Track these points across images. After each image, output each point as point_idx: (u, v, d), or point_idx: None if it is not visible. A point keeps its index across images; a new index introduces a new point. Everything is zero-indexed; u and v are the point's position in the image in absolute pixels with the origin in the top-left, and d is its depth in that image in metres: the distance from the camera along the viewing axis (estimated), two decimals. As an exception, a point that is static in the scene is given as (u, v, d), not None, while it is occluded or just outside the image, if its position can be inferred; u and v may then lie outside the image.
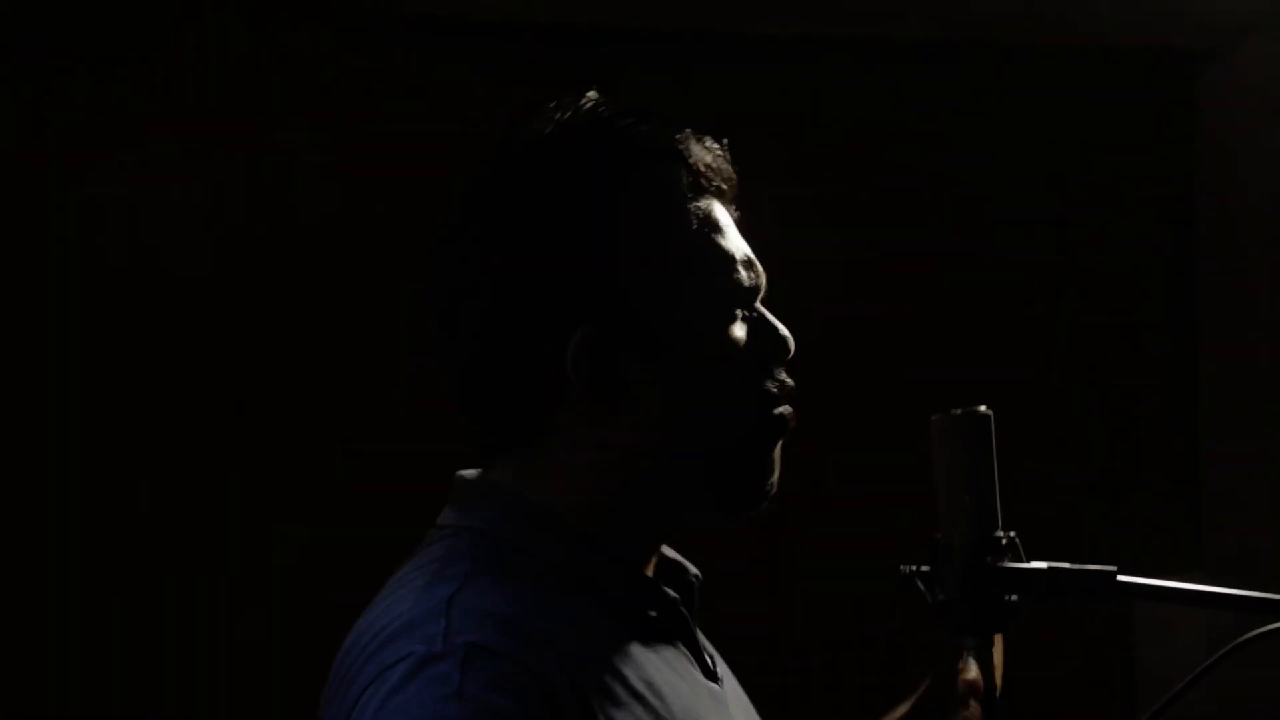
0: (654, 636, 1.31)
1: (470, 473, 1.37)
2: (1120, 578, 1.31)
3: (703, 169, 1.33)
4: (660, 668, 1.28)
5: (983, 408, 1.34)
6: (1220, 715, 3.63)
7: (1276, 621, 1.34)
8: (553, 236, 1.28)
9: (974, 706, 1.43)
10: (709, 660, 1.37)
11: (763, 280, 1.36)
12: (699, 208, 1.32)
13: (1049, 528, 1.36)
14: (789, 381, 1.36)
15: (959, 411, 1.34)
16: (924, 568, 1.32)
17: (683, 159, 1.32)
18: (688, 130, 1.34)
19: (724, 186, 1.35)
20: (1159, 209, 4.19)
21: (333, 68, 3.77)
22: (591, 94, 1.34)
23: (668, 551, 1.40)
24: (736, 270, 1.33)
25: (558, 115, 1.33)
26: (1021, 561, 1.31)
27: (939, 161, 4.07)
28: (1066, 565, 1.30)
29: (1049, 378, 4.08)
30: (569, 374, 1.27)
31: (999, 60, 4.09)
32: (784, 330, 1.36)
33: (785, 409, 1.34)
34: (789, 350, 1.36)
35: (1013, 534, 1.32)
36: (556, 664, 1.18)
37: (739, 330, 1.33)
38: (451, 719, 1.12)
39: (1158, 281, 4.19)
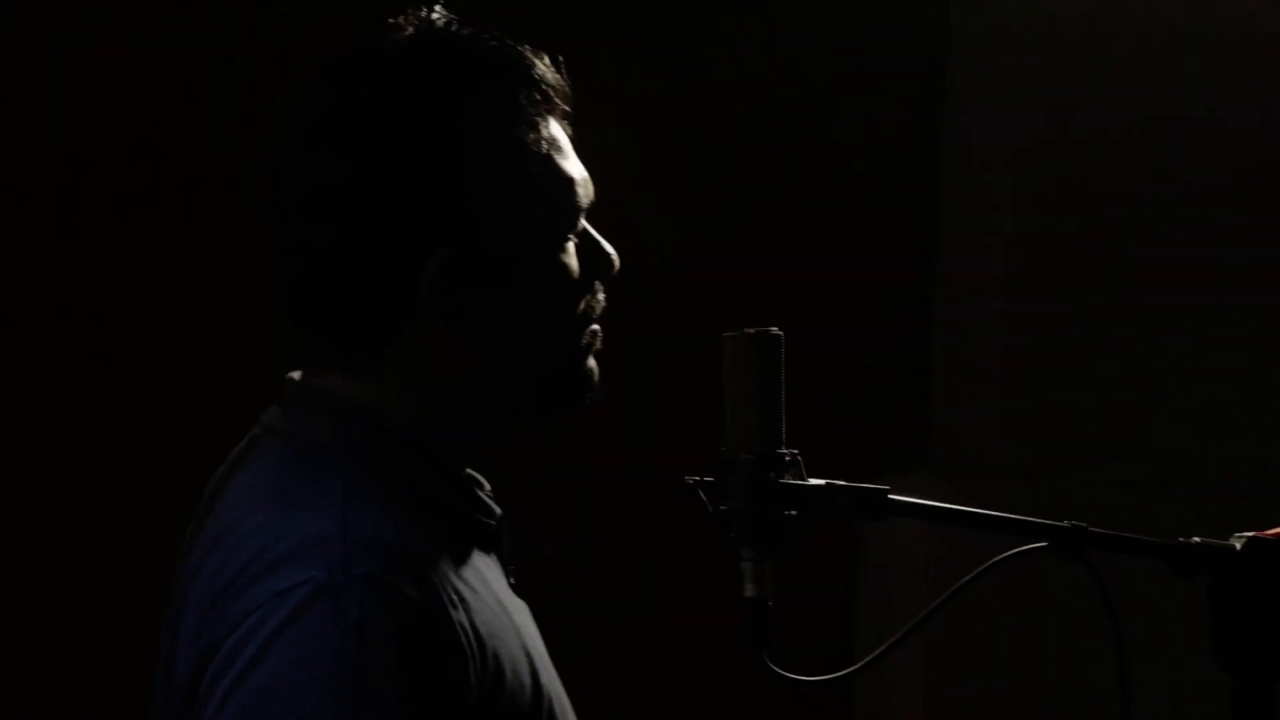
0: (479, 545, 1.35)
1: (298, 375, 1.37)
2: (891, 496, 1.38)
3: (547, 87, 1.33)
4: (484, 573, 1.32)
5: (774, 329, 1.38)
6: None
7: (1025, 545, 1.41)
8: (414, 158, 1.28)
9: None
10: (510, 580, 1.41)
11: (592, 196, 1.38)
12: (545, 128, 1.33)
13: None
14: (603, 300, 1.39)
15: (751, 331, 1.38)
16: (708, 479, 1.36)
17: (531, 78, 1.33)
18: (529, 48, 1.34)
19: (565, 105, 1.36)
20: (906, 128, 4.28)
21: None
22: (439, 10, 1.34)
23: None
24: (577, 192, 1.35)
25: (410, 29, 1.32)
26: (802, 479, 1.36)
27: (689, 80, 4.08)
28: (842, 483, 1.36)
29: (793, 281, 4.15)
30: (423, 297, 1.28)
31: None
32: (609, 249, 1.39)
33: (594, 327, 1.38)
34: (614, 269, 1.39)
35: (795, 452, 1.37)
36: (443, 592, 1.21)
37: (575, 251, 1.36)
38: (349, 652, 1.13)
39: (901, 189, 4.29)
